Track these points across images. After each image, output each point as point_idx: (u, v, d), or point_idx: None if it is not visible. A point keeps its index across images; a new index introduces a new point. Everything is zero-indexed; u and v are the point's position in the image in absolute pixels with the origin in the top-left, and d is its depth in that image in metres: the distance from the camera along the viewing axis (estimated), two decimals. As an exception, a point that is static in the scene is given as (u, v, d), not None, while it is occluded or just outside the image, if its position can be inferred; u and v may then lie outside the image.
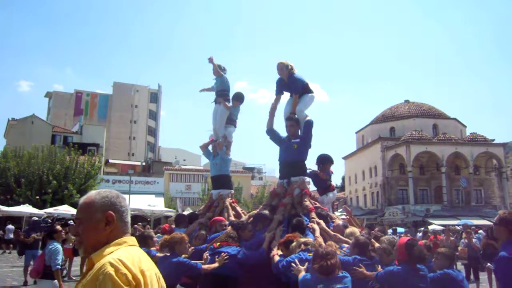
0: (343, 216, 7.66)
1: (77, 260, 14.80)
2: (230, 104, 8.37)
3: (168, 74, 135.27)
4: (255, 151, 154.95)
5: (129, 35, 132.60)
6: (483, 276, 12.72)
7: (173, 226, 7.80)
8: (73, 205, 26.24)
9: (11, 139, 41.96)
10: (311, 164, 7.32)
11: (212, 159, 8.27)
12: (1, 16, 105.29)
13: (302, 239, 4.99)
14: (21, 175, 30.04)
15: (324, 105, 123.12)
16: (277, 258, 5.00)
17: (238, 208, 7.76)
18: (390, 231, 21.57)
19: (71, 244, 13.38)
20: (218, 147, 8.07)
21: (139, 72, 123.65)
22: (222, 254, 5.23)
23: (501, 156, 45.53)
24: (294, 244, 4.90)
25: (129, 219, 1.98)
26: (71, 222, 18.00)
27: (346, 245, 5.26)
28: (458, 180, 43.63)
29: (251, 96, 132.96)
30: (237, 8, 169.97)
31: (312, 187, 7.87)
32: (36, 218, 15.16)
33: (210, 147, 8.41)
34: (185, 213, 9.39)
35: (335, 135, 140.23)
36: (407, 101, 55.08)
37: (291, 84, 7.03)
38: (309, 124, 6.78)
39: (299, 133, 6.86)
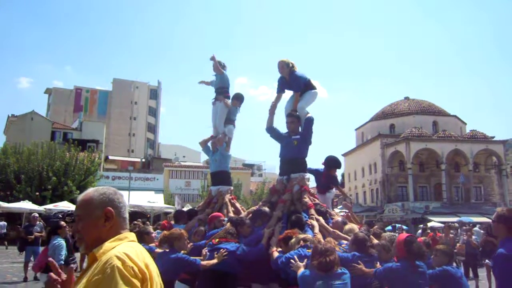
0: (343, 213, 7.66)
1: (76, 255, 14.80)
2: (230, 101, 8.36)
3: (167, 70, 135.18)
4: (255, 148, 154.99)
5: (129, 32, 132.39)
6: (482, 273, 12.76)
7: (172, 222, 7.80)
8: (73, 201, 26.23)
9: (11, 135, 41.95)
10: (313, 161, 7.31)
11: (211, 156, 8.27)
12: (1, 14, 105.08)
13: (301, 236, 4.99)
14: (21, 172, 30.04)
15: (323, 102, 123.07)
16: (276, 254, 5.00)
17: (238, 205, 7.76)
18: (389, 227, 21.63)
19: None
20: (218, 143, 8.06)
21: (139, 68, 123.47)
22: (221, 250, 5.23)
23: (501, 154, 45.57)
24: (293, 240, 4.90)
25: (127, 215, 2.01)
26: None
27: (345, 242, 5.27)
28: (458, 177, 43.68)
29: (252, 93, 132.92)
30: (238, 5, 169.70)
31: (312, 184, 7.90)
32: (37, 215, 15.12)
33: (209, 144, 8.41)
34: (185, 209, 9.39)
35: (335, 132, 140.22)
36: (407, 98, 55.04)
37: (292, 82, 7.00)
38: (309, 121, 6.77)
39: (300, 130, 6.85)
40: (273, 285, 5.48)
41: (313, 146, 6.91)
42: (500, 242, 3.55)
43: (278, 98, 7.23)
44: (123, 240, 1.88)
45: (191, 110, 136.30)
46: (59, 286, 1.87)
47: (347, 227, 5.73)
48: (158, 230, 8.78)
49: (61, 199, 28.14)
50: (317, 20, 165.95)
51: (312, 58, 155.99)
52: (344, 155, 59.44)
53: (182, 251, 5.30)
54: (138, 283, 1.68)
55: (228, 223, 6.02)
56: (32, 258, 12.61)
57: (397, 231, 20.77)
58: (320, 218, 5.89)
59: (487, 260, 11.33)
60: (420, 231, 17.53)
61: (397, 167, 46.86)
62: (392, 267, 4.55)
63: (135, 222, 15.25)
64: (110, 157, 53.03)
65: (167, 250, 5.30)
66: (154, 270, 1.84)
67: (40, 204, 26.70)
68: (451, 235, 15.12)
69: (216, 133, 8.29)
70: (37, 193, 29.02)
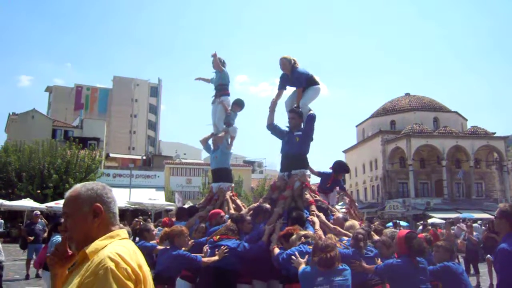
0: (344, 210, 7.66)
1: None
2: (229, 98, 8.34)
3: (168, 68, 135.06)
4: (256, 145, 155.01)
5: (129, 29, 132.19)
6: (483, 269, 12.76)
7: (174, 219, 7.81)
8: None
9: (12, 133, 41.96)
10: (314, 159, 7.30)
11: (212, 153, 8.26)
12: (1, 11, 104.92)
13: (302, 232, 4.99)
14: (22, 170, 30.07)
15: (324, 99, 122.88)
16: (277, 251, 5.00)
17: (238, 201, 7.76)
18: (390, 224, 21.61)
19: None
20: (218, 140, 8.06)
21: (139, 66, 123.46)
22: (222, 247, 5.24)
23: (502, 150, 45.49)
24: (294, 237, 4.90)
25: (116, 210, 1.95)
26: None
27: (346, 238, 5.27)
28: (460, 173, 43.62)
29: (252, 90, 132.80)
30: (238, 3, 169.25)
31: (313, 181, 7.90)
32: (38, 212, 15.14)
33: (210, 141, 8.40)
34: (186, 206, 9.40)
35: (336, 128, 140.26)
36: (407, 94, 54.92)
37: (295, 78, 6.95)
38: (311, 118, 6.73)
39: (302, 126, 6.81)
40: (274, 282, 5.49)
41: (313, 142, 6.89)
42: (502, 237, 3.55)
43: (279, 95, 7.18)
44: (115, 238, 1.83)
45: (191, 108, 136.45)
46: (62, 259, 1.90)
47: (348, 223, 5.73)
48: (159, 227, 8.80)
49: (62, 197, 28.05)
50: (318, 17, 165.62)
51: (313, 54, 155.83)
52: (345, 151, 59.42)
53: (183, 248, 5.31)
54: (132, 286, 1.65)
55: (229, 220, 6.03)
56: (34, 256, 12.64)
57: (398, 228, 20.75)
58: (321, 215, 5.89)
59: (488, 255, 11.34)
60: (420, 227, 17.53)
61: (398, 164, 46.82)
62: (393, 263, 4.56)
63: (136, 219, 15.31)
64: (111, 155, 53.07)
65: (168, 247, 5.31)
66: (147, 270, 1.80)
67: (42, 202, 26.73)
68: (452, 231, 15.10)
69: (216, 130, 8.28)
70: (39, 191, 29.06)
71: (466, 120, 53.21)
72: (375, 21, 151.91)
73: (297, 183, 6.48)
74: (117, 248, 1.74)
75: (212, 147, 8.32)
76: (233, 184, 8.20)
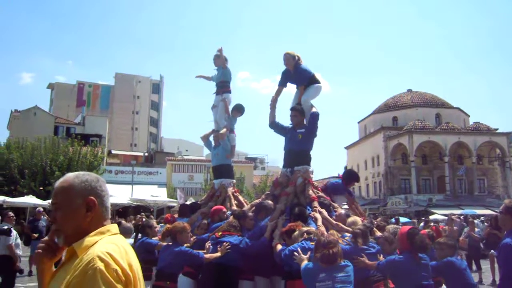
0: (346, 206, 7.61)
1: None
2: (231, 95, 8.32)
3: (170, 65, 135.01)
4: (258, 141, 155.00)
5: (131, 27, 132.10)
6: (485, 265, 12.76)
7: (176, 216, 7.81)
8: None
9: (14, 130, 42.07)
10: (314, 158, 7.24)
11: (213, 150, 8.25)
12: (2, 9, 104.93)
13: (305, 228, 4.99)
14: (24, 166, 30.16)
15: (326, 95, 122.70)
16: (279, 247, 5.01)
17: (240, 198, 7.75)
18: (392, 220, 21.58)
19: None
20: (219, 137, 8.04)
21: (141, 63, 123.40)
22: (224, 243, 5.24)
23: (504, 146, 45.40)
24: (296, 233, 4.90)
25: (109, 204, 1.86)
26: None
27: (348, 234, 5.27)
28: (462, 169, 43.55)
29: (254, 87, 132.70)
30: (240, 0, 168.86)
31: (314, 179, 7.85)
32: (41, 209, 15.17)
33: (211, 138, 8.39)
34: (188, 203, 9.41)
35: (338, 124, 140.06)
36: (409, 91, 54.80)
37: (298, 75, 6.86)
38: (315, 116, 6.69)
39: (304, 122, 6.79)
40: (276, 278, 5.49)
41: (316, 139, 6.86)
42: (506, 232, 3.56)
43: (279, 92, 7.07)
44: (105, 234, 1.73)
45: (193, 104, 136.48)
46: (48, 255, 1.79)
47: (350, 219, 5.72)
48: (161, 224, 8.81)
49: (64, 193, 28.22)
50: (320, 15, 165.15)
51: (315, 52, 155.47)
52: (347, 148, 59.40)
53: (185, 245, 5.32)
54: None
55: (231, 216, 6.03)
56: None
57: (401, 224, 20.74)
58: (323, 211, 5.88)
59: (492, 251, 11.33)
60: (422, 224, 17.51)
61: (400, 160, 46.79)
62: (395, 260, 4.55)
63: (139, 216, 15.36)
64: (113, 152, 53.13)
65: (170, 243, 5.32)
66: (137, 269, 1.71)
67: (44, 198, 26.78)
68: (455, 228, 15.09)
69: (218, 127, 8.26)
70: (41, 188, 29.14)
71: (468, 116, 53.10)
72: (376, 20, 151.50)
73: (300, 179, 6.47)
74: (108, 246, 1.64)
75: (213, 143, 8.31)
76: (234, 181, 8.18)
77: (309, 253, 4.41)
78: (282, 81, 7.09)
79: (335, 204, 6.46)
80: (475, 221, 19.39)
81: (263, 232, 5.56)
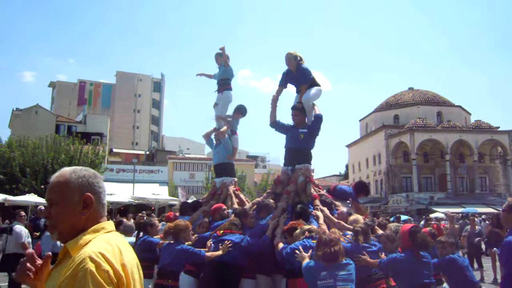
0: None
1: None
2: (231, 92, 8.31)
3: (171, 63, 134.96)
4: (259, 140, 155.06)
5: (132, 25, 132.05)
6: (487, 264, 12.75)
7: (177, 214, 7.81)
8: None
9: (16, 129, 42.10)
10: (315, 156, 7.21)
11: (214, 148, 8.25)
12: (3, 7, 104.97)
13: (306, 226, 4.99)
14: (26, 165, 30.17)
15: (327, 93, 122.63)
16: (281, 245, 5.01)
17: (242, 196, 7.75)
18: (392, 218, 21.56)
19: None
20: (221, 135, 8.03)
21: (142, 61, 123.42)
22: (226, 241, 5.24)
23: (506, 144, 45.30)
24: (298, 231, 4.90)
25: (106, 201, 1.80)
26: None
27: (350, 233, 5.26)
28: (463, 168, 43.50)
29: (255, 85, 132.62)
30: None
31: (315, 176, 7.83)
32: (43, 208, 15.18)
33: (213, 136, 8.38)
34: (189, 201, 9.39)
35: (339, 123, 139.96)
36: (411, 89, 54.72)
37: (300, 75, 6.82)
38: (318, 118, 6.68)
39: (306, 121, 6.76)
40: (277, 276, 5.49)
41: (317, 137, 6.85)
42: (508, 230, 3.56)
43: (279, 92, 7.05)
44: (100, 231, 1.68)
45: (194, 103, 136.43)
46: (31, 273, 1.69)
47: (352, 218, 5.72)
48: (163, 222, 8.80)
49: (66, 192, 28.24)
50: (321, 13, 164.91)
51: (315, 49, 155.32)
52: (348, 146, 59.34)
53: (187, 243, 5.32)
54: None
55: (233, 215, 6.02)
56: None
57: (402, 222, 20.72)
58: (325, 209, 5.88)
59: (495, 248, 11.32)
60: (422, 221, 17.48)
61: (401, 158, 46.74)
62: (397, 258, 4.55)
63: (140, 214, 15.35)
64: (115, 150, 53.20)
65: (172, 241, 5.32)
66: (132, 269, 1.64)
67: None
68: (456, 226, 15.08)
69: (219, 125, 8.26)
70: (42, 186, 29.13)
71: (470, 114, 53.03)
72: (378, 17, 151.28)
73: (301, 178, 6.46)
74: (101, 245, 1.59)
75: (214, 142, 8.30)
76: (236, 179, 8.18)
77: (310, 251, 4.40)
78: (283, 81, 7.08)
79: (337, 203, 6.46)
80: (476, 219, 19.39)
81: (264, 231, 5.56)
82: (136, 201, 29.30)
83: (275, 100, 6.98)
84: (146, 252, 5.76)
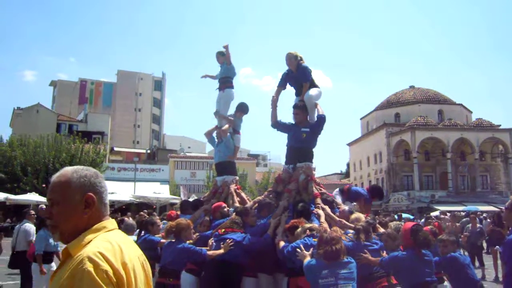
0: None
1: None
2: (233, 90, 8.29)
3: (172, 62, 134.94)
4: (260, 138, 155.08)
5: (133, 24, 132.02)
6: (488, 262, 12.74)
7: (179, 212, 7.81)
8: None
9: (17, 128, 42.17)
10: (316, 155, 7.19)
11: (216, 146, 8.24)
12: (4, 7, 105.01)
13: (308, 225, 4.98)
14: (27, 164, 30.24)
15: (328, 92, 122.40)
16: (282, 243, 5.00)
17: (243, 194, 7.74)
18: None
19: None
20: (222, 133, 8.03)
21: (143, 60, 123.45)
22: (227, 240, 5.23)
23: (507, 142, 45.24)
24: (299, 229, 4.89)
25: (108, 201, 1.79)
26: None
27: (351, 231, 5.26)
28: (464, 166, 43.49)
29: (256, 83, 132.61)
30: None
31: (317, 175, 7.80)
32: (44, 206, 15.19)
33: (214, 134, 8.37)
34: (190, 199, 9.39)
35: (340, 121, 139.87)
36: (412, 87, 54.65)
37: (300, 74, 6.79)
38: (322, 119, 6.65)
39: (308, 119, 6.75)
40: (279, 275, 5.49)
41: (319, 136, 6.84)
42: (511, 229, 3.56)
43: (278, 92, 7.01)
44: (101, 231, 1.66)
45: (195, 101, 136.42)
46: None
47: (353, 216, 5.71)
48: (164, 221, 8.80)
49: (67, 191, 28.27)
50: (322, 11, 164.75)
51: (316, 48, 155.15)
52: (349, 144, 59.30)
53: (188, 241, 5.32)
54: None
55: (234, 213, 6.02)
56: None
57: (403, 220, 20.71)
58: (326, 207, 5.87)
59: (497, 246, 11.31)
60: (423, 220, 17.46)
61: (402, 156, 46.70)
62: (398, 256, 4.55)
63: (141, 212, 15.34)
64: (116, 149, 53.27)
65: (173, 240, 5.32)
66: (133, 267, 1.62)
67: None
68: (457, 224, 15.08)
69: (221, 123, 8.25)
70: (44, 185, 29.21)
71: (471, 112, 52.94)
72: (378, 16, 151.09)
73: (302, 176, 6.45)
74: (101, 245, 1.58)
75: (216, 140, 8.29)
76: (237, 177, 8.17)
77: (311, 249, 4.40)
78: (282, 81, 7.04)
79: (338, 201, 6.45)
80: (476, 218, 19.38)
81: (265, 229, 5.56)
82: (137, 200, 29.37)
83: (275, 101, 6.95)
84: (147, 251, 5.72)
